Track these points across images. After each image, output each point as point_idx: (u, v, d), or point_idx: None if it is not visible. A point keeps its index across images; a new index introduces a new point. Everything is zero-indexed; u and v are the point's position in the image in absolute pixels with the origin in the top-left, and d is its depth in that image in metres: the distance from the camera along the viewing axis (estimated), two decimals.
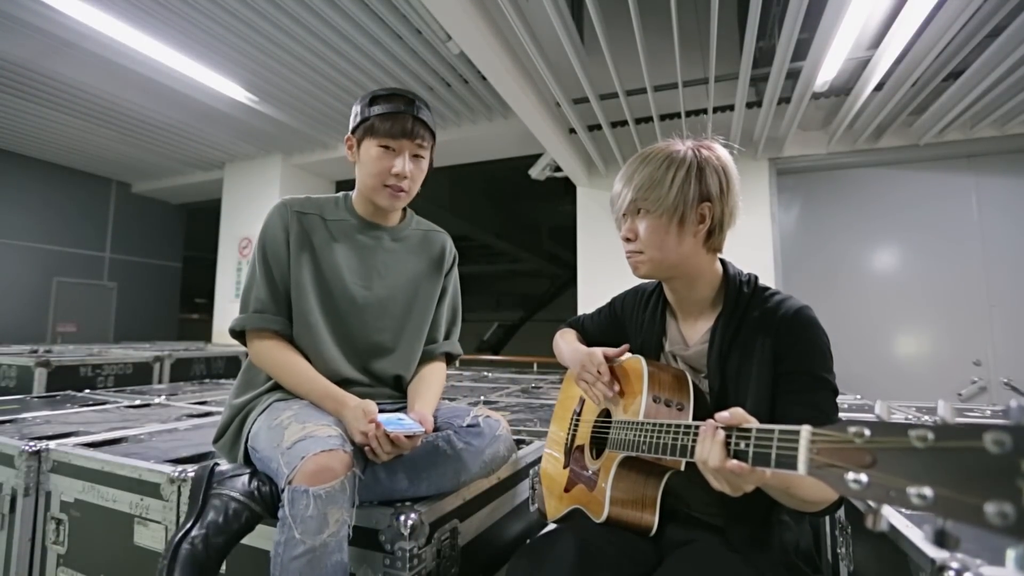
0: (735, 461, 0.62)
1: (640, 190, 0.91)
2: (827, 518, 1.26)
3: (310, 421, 0.94)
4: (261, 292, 1.10)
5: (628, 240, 0.95)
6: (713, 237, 0.93)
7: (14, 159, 6.33)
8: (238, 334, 1.12)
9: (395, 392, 1.20)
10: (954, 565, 0.64)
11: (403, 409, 1.13)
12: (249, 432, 1.03)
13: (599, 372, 0.97)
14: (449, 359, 1.32)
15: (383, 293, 1.17)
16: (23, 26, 3.49)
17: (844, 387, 1.25)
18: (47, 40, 3.68)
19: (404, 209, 1.26)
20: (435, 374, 1.23)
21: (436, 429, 1.10)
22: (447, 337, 1.31)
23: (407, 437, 0.94)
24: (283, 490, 0.84)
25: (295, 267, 1.12)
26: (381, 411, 0.98)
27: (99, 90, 4.51)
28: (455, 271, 1.33)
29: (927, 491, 0.37)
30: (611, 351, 1.00)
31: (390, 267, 1.19)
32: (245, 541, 0.94)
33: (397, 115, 1.09)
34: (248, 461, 1.03)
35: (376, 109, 1.10)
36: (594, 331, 1.20)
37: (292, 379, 1.07)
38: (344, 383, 1.13)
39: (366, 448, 0.95)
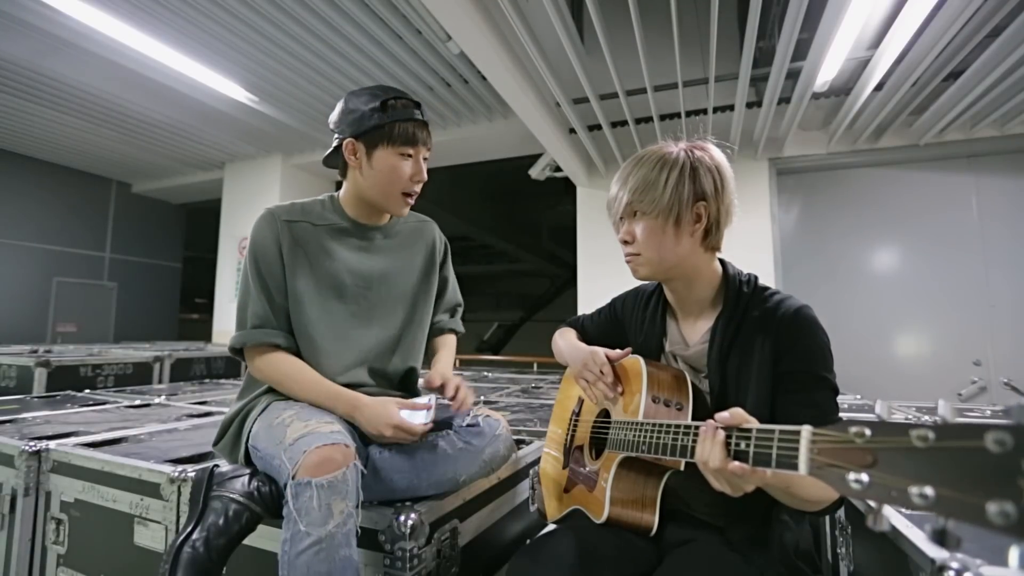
0: (736, 462, 0.62)
1: (635, 192, 0.91)
2: (827, 518, 1.26)
3: (312, 419, 0.94)
4: (258, 307, 1.08)
5: (626, 243, 0.95)
6: (710, 236, 0.93)
7: (14, 159, 6.33)
8: (238, 351, 1.11)
9: (402, 392, 1.22)
10: (954, 565, 0.64)
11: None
12: (249, 432, 1.03)
13: (601, 372, 0.97)
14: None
15: (384, 292, 1.17)
16: (23, 26, 3.49)
17: (844, 387, 1.25)
18: (47, 40, 3.68)
19: None
20: (447, 344, 1.32)
21: (436, 429, 1.10)
22: (451, 316, 1.37)
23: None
24: (286, 486, 0.84)
25: (291, 278, 1.10)
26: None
27: (99, 90, 4.51)
28: (448, 259, 1.35)
29: (928, 491, 0.37)
30: (613, 352, 1.00)
31: (388, 265, 1.19)
32: (247, 542, 0.94)
33: (414, 122, 1.10)
34: (249, 462, 1.03)
35: (391, 115, 1.08)
36: (594, 331, 1.20)
37: (299, 387, 1.06)
38: (352, 388, 1.13)
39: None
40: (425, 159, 1.14)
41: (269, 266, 1.10)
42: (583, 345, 1.09)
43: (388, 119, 1.07)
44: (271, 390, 1.10)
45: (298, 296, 1.10)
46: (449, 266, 1.35)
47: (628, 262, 0.97)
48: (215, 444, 1.13)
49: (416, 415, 1.02)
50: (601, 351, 1.00)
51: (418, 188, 1.13)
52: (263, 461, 0.97)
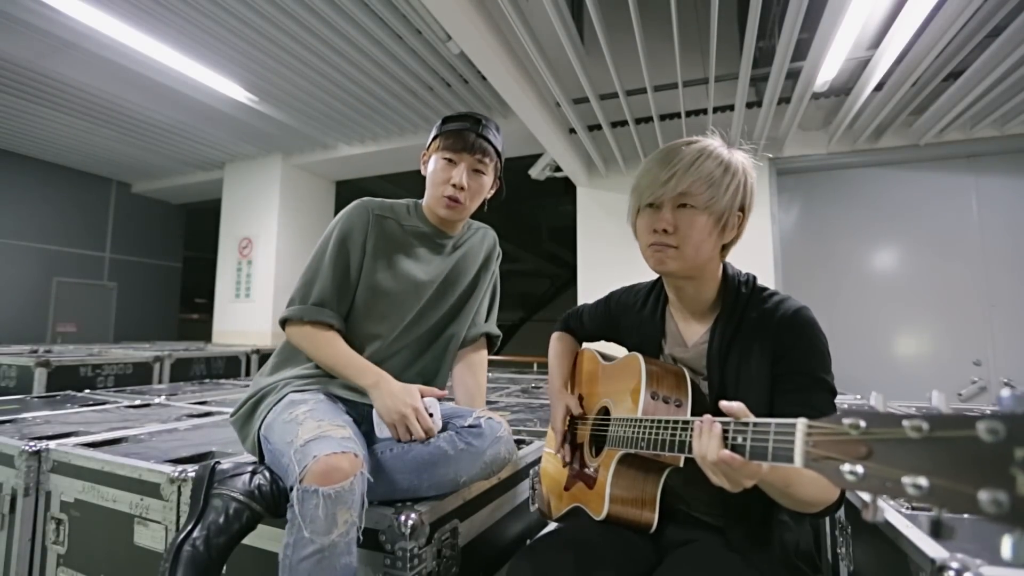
0: (732, 454, 0.62)
1: (698, 184, 0.85)
2: (827, 518, 1.26)
3: (325, 419, 0.95)
4: (326, 285, 1.14)
5: (665, 232, 0.87)
6: (730, 246, 0.94)
7: (14, 159, 6.33)
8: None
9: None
10: (954, 565, 0.63)
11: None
12: (263, 420, 1.05)
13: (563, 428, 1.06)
14: (489, 342, 1.40)
15: (450, 295, 1.24)
16: (23, 26, 3.50)
17: (844, 388, 1.25)
18: (47, 40, 3.68)
19: None
20: (481, 366, 1.36)
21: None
22: (486, 320, 1.39)
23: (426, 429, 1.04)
24: (292, 489, 0.84)
25: (369, 268, 1.16)
26: None
27: (99, 90, 4.52)
28: (498, 261, 1.41)
29: (922, 481, 0.37)
30: (576, 409, 1.08)
31: (457, 271, 1.26)
32: (246, 541, 0.94)
33: (462, 131, 1.17)
34: (258, 449, 1.05)
35: (446, 127, 1.19)
36: (591, 326, 1.20)
37: (333, 357, 1.10)
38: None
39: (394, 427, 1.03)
40: (479, 171, 1.19)
41: (354, 251, 1.16)
42: (562, 388, 1.16)
43: (442, 129, 1.20)
44: (295, 378, 1.12)
45: (375, 287, 1.16)
46: (497, 266, 1.40)
47: (656, 252, 0.89)
48: (232, 415, 1.16)
49: (433, 406, 1.07)
50: (571, 406, 1.09)
51: (460, 195, 1.16)
52: (272, 455, 0.98)
